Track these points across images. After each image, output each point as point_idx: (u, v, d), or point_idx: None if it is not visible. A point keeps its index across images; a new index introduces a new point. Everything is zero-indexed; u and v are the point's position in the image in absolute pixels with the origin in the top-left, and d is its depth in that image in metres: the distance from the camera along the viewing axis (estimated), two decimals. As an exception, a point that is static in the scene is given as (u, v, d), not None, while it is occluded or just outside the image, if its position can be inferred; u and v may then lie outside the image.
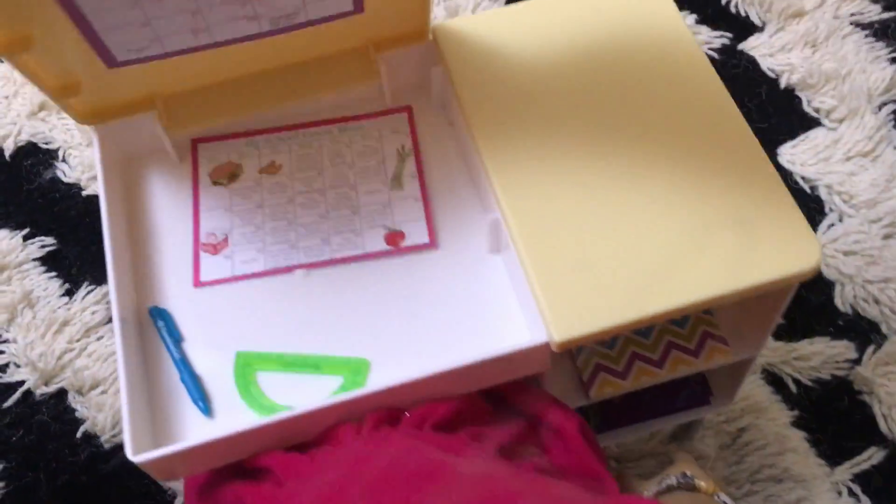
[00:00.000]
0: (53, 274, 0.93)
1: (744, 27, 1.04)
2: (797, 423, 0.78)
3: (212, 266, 0.57)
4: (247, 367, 0.53)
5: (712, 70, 0.57)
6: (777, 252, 0.49)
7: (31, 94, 1.06)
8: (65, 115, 1.05)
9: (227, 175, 0.61)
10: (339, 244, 0.57)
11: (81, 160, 1.01)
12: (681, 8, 1.01)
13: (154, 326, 0.55)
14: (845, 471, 0.76)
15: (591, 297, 0.49)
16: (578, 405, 0.59)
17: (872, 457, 0.76)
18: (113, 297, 0.52)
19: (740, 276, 0.48)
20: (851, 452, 0.77)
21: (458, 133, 0.61)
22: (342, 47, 0.61)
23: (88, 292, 0.91)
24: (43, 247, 0.95)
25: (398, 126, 0.62)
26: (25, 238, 0.95)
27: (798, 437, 0.77)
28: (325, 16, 0.56)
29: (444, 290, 0.55)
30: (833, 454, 0.77)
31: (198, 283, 0.56)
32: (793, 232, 0.50)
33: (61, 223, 0.97)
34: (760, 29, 1.04)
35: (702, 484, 0.52)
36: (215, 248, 0.58)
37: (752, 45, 1.02)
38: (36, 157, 1.02)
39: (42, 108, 1.06)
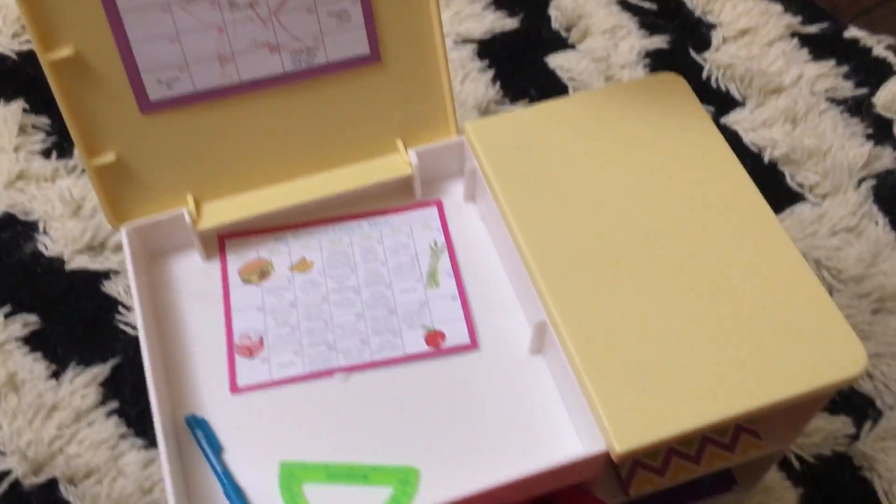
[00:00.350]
0: (38, 355, 0.89)
1: (725, 102, 1.07)
2: (804, 502, 0.79)
3: (248, 370, 0.56)
4: (292, 479, 0.52)
5: (742, 169, 0.59)
6: (825, 357, 0.50)
7: (9, 164, 1.02)
8: (44, 184, 1.02)
9: (258, 272, 0.60)
10: (378, 345, 0.56)
11: (64, 233, 0.98)
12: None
13: (192, 436, 0.53)
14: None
15: (649, 404, 0.49)
16: (617, 502, 0.59)
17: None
18: (154, 408, 0.50)
19: (792, 384, 0.49)
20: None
21: (492, 230, 0.61)
22: (372, 144, 0.61)
23: (76, 375, 0.87)
24: (26, 325, 0.91)
25: (429, 220, 0.62)
26: (7, 316, 0.91)
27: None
28: (344, 58, 0.57)
29: (489, 392, 0.55)
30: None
31: (235, 389, 0.55)
32: (838, 336, 0.51)
33: (44, 300, 0.94)
34: (742, 104, 1.07)
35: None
36: (250, 351, 0.56)
37: (735, 120, 1.05)
38: (14, 229, 0.99)
39: (20, 177, 1.02)
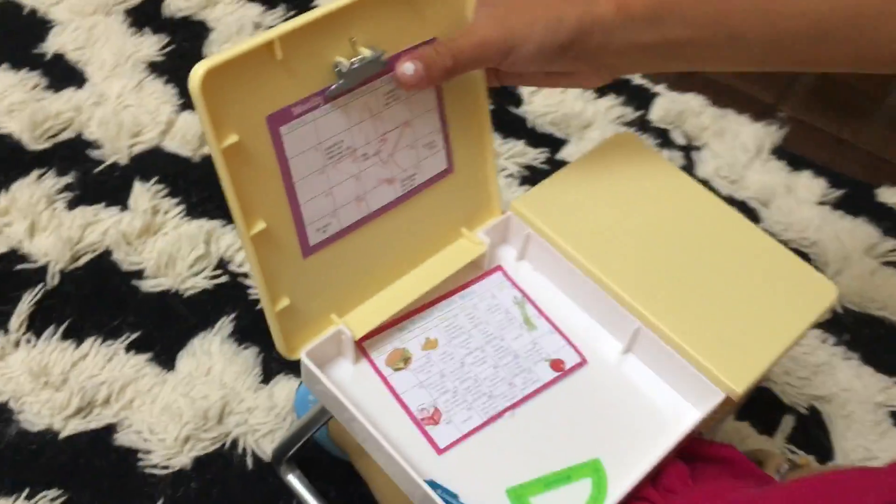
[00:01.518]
0: (81, 526, 0.90)
1: (555, 142, 1.34)
2: (740, 417, 1.07)
3: (442, 434, 0.69)
4: (521, 498, 0.67)
5: (701, 187, 0.83)
6: (809, 297, 0.76)
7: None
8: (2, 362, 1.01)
9: (402, 360, 0.73)
10: (522, 383, 0.73)
11: (43, 405, 0.98)
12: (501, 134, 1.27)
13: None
14: (779, 439, 1.07)
15: (735, 352, 0.71)
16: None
17: (787, 422, 1.08)
18: (413, 474, 0.63)
19: (805, 316, 0.74)
20: (777, 423, 1.08)
21: (553, 275, 0.79)
22: (448, 234, 0.77)
23: (133, 529, 0.90)
24: (52, 501, 0.91)
25: (501, 282, 0.79)
26: (28, 498, 0.91)
27: (746, 426, 1.06)
28: (430, 176, 0.73)
29: (610, 392, 0.74)
30: (769, 428, 1.07)
31: (440, 452, 0.68)
32: (812, 281, 0.77)
33: (56, 472, 0.94)
34: (567, 141, 1.34)
35: (800, 460, 0.77)
36: (434, 420, 0.70)
37: (569, 154, 1.32)
38: (-15, 418, 0.97)
39: (-30, 363, 1.00)
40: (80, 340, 1.04)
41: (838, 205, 1.34)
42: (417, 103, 0.69)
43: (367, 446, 0.68)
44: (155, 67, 1.34)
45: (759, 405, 1.09)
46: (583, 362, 0.75)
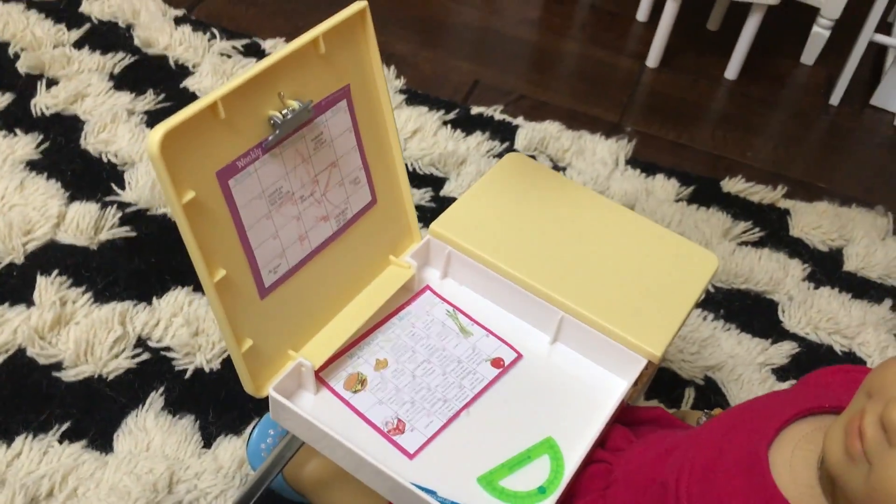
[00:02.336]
0: None
1: (437, 181, 1.43)
2: (648, 396, 1.18)
3: (409, 441, 0.75)
4: (491, 483, 0.73)
5: (590, 189, 0.94)
6: (699, 263, 0.88)
7: None
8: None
9: (358, 382, 0.79)
10: (470, 384, 0.80)
11: None
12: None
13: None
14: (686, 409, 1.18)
15: (648, 322, 0.81)
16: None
17: (689, 394, 1.20)
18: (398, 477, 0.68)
19: (697, 282, 0.86)
20: (681, 396, 1.20)
21: (477, 285, 0.87)
22: (379, 262, 0.84)
23: None
24: None
25: (432, 300, 0.86)
26: None
27: (656, 403, 1.17)
28: (360, 209, 0.80)
29: (546, 377, 0.82)
30: (675, 402, 1.18)
31: (411, 457, 0.74)
32: (696, 253, 0.89)
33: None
34: (448, 178, 1.44)
35: (714, 412, 0.88)
36: (399, 430, 0.76)
37: (451, 190, 1.42)
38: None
39: None
40: (10, 440, 1.03)
41: (692, 200, 1.50)
42: (341, 144, 0.76)
43: (346, 464, 0.73)
44: (34, 165, 1.34)
45: (663, 384, 1.21)
46: (519, 357, 0.83)
